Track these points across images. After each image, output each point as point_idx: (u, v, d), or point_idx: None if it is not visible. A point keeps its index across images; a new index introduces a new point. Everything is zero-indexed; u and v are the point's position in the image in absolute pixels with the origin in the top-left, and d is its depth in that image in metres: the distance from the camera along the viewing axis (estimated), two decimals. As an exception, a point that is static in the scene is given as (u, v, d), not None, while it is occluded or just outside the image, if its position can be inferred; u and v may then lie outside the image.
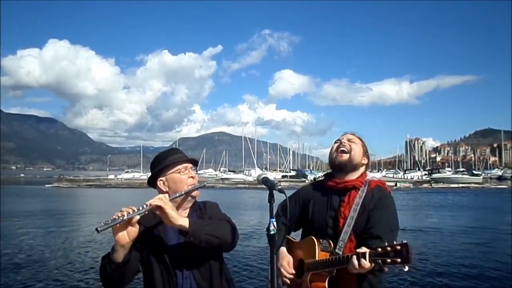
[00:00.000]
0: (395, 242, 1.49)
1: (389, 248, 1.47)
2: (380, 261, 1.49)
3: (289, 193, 1.58)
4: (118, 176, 56.68)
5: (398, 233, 1.81)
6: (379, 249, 1.49)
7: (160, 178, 1.72)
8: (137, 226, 1.49)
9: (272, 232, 1.52)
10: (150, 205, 1.51)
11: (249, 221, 14.07)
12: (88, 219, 15.26)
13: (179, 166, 1.72)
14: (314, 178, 56.80)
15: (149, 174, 1.76)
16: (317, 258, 1.76)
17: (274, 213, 1.56)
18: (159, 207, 1.51)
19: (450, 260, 7.86)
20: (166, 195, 1.61)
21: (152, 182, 1.75)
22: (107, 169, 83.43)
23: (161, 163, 1.72)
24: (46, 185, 42.56)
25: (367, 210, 1.80)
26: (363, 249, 1.55)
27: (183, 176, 1.71)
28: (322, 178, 2.08)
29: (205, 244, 1.56)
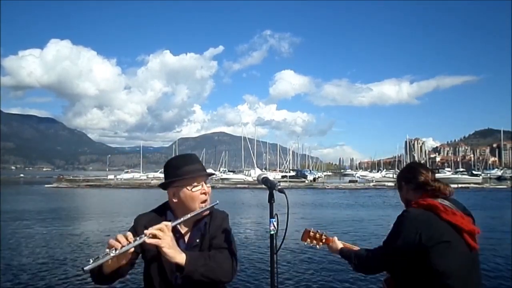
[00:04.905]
0: None
1: None
2: None
3: (288, 193, 1.57)
4: (118, 176, 56.34)
5: None
6: None
7: (171, 189, 1.62)
8: (129, 254, 1.39)
9: (271, 232, 1.52)
10: (146, 235, 1.39)
11: (249, 221, 14.05)
12: (88, 219, 15.25)
13: (194, 183, 1.61)
14: (314, 178, 56.90)
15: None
16: None
17: (273, 213, 1.54)
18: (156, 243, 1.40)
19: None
20: (169, 224, 1.45)
21: (164, 187, 1.67)
22: (107, 169, 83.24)
23: (176, 173, 1.60)
24: (46, 185, 42.45)
25: None
26: None
27: (195, 194, 1.60)
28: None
29: (198, 281, 1.47)
